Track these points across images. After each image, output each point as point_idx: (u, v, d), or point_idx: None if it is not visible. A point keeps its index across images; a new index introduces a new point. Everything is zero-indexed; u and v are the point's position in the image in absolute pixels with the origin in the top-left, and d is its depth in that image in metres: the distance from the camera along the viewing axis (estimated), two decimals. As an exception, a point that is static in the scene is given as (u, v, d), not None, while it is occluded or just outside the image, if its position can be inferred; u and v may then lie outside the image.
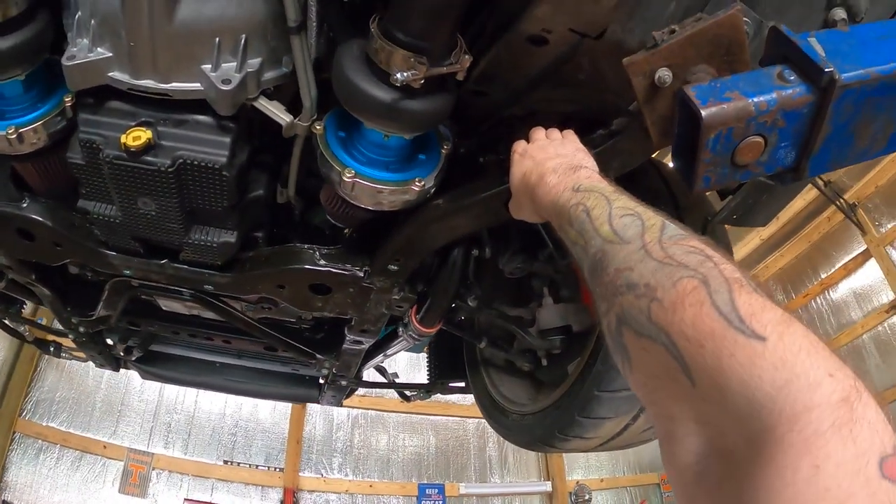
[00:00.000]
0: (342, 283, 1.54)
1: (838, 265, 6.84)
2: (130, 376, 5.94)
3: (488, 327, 2.29)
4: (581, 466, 7.55)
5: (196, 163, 1.25)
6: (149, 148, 1.23)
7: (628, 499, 7.58)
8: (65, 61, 1.17)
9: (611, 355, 0.70)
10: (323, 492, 6.86)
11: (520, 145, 1.13)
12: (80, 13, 1.16)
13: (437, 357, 2.99)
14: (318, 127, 1.24)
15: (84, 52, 1.17)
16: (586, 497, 7.20)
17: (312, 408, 7.17)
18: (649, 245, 0.67)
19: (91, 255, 1.60)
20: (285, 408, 7.01)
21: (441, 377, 2.90)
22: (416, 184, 1.22)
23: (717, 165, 0.86)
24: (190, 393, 6.72)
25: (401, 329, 1.84)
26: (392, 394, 3.66)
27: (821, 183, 6.02)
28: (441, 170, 1.28)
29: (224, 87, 1.15)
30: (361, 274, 1.51)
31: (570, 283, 2.08)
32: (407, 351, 3.32)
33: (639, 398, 0.67)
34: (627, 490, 7.65)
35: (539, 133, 1.15)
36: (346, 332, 1.86)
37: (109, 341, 2.48)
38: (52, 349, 2.76)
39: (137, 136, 1.21)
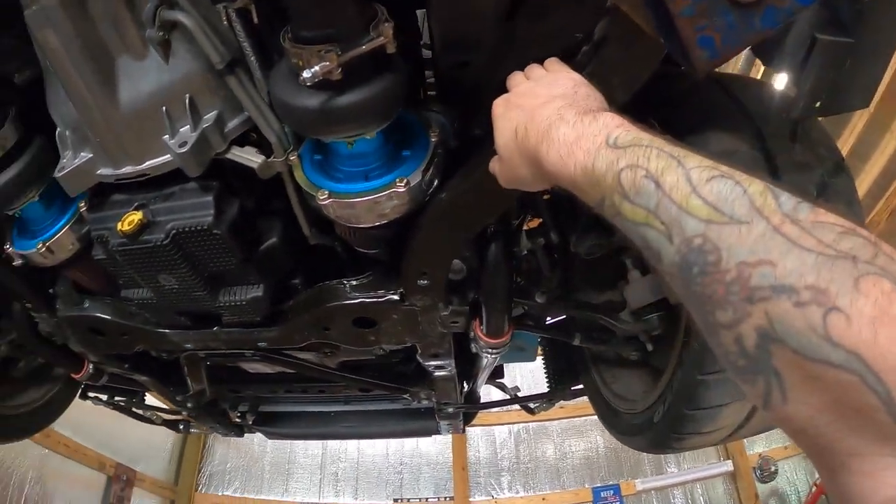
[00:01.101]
0: (382, 311, 1.44)
1: None
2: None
3: (585, 320, 2.09)
4: (762, 437, 6.87)
5: (187, 229, 1.27)
6: (143, 227, 1.28)
7: None
8: (56, 174, 1.27)
9: (736, 377, 0.54)
10: (495, 513, 6.79)
11: (500, 99, 0.89)
12: (59, 129, 1.27)
13: (553, 361, 2.80)
14: (292, 158, 1.17)
15: (70, 161, 1.27)
16: (772, 469, 6.56)
17: (473, 431, 7.19)
18: (782, 225, 0.50)
19: (154, 338, 1.68)
20: (446, 437, 7.06)
21: (560, 383, 2.71)
22: (399, 184, 1.08)
23: (710, 14, 0.62)
24: (352, 441, 6.92)
25: (472, 345, 1.69)
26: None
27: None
28: (433, 160, 1.14)
29: (182, 150, 1.15)
30: (397, 297, 1.40)
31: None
32: (515, 361, 3.18)
33: (787, 430, 0.52)
34: None
35: (517, 77, 0.91)
36: (419, 360, 1.74)
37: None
38: (181, 427, 2.88)
39: (131, 220, 1.27)
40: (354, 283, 1.41)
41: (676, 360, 1.54)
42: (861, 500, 0.46)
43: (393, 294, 1.40)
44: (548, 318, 2.19)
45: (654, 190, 0.59)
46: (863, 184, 5.02)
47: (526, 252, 1.76)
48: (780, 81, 1.54)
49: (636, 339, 1.89)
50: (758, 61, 4.68)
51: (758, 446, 6.87)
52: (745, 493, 6.63)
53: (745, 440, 6.70)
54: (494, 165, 0.92)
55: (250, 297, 1.41)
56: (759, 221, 0.51)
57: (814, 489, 6.29)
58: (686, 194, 0.57)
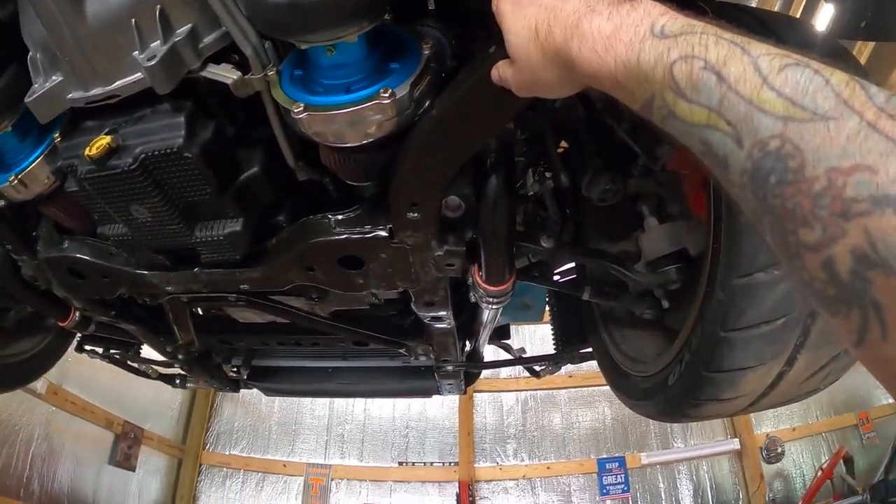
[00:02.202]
0: (370, 249, 1.33)
1: None
2: (302, 398, 6.34)
3: (596, 273, 1.97)
4: (770, 417, 6.86)
5: (157, 152, 1.18)
6: (112, 152, 1.20)
7: (825, 447, 6.76)
8: (27, 99, 1.22)
9: (822, 308, 0.46)
10: (500, 480, 6.85)
11: None
12: (30, 54, 1.21)
13: (561, 322, 2.69)
14: (270, 74, 1.07)
15: (41, 86, 1.21)
16: (778, 450, 6.57)
17: (480, 397, 7.23)
18: (879, 122, 0.42)
19: (134, 280, 1.60)
20: (453, 402, 7.10)
21: (568, 345, 2.59)
22: (384, 95, 0.97)
23: None
24: (359, 402, 6.97)
25: (471, 294, 1.57)
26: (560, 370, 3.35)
27: None
28: (423, 74, 1.02)
29: (149, 64, 1.07)
30: (386, 234, 1.28)
31: (676, 195, 1.68)
32: (521, 320, 3.07)
33: (880, 373, 0.45)
34: (823, 437, 6.85)
35: None
36: (413, 310, 1.63)
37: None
38: (177, 381, 2.83)
39: (99, 145, 1.19)
40: (340, 217, 1.30)
41: (697, 313, 1.40)
42: None
43: (381, 230, 1.29)
44: (556, 274, 2.08)
45: (717, 83, 0.51)
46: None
47: (533, 195, 1.63)
48: (820, 22, 1.40)
49: (651, 294, 1.76)
50: (796, 4, 4.55)
51: (765, 426, 6.87)
52: (751, 472, 6.65)
53: (752, 419, 6.65)
54: (504, 72, 0.81)
55: (228, 231, 1.32)
56: (849, 117, 0.43)
57: (819, 473, 6.26)
58: (756, 86, 0.48)
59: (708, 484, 6.79)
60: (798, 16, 4.23)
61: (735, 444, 6.79)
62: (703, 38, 0.53)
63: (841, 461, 6.09)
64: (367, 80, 1.01)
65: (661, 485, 6.82)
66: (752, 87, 0.48)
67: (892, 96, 0.43)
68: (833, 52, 1.15)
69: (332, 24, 0.91)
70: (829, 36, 1.01)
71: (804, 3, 4.49)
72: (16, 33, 1.22)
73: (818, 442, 6.79)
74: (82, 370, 5.28)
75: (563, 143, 1.77)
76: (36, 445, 5.08)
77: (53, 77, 1.20)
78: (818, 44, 1.15)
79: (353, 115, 0.99)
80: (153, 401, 6.51)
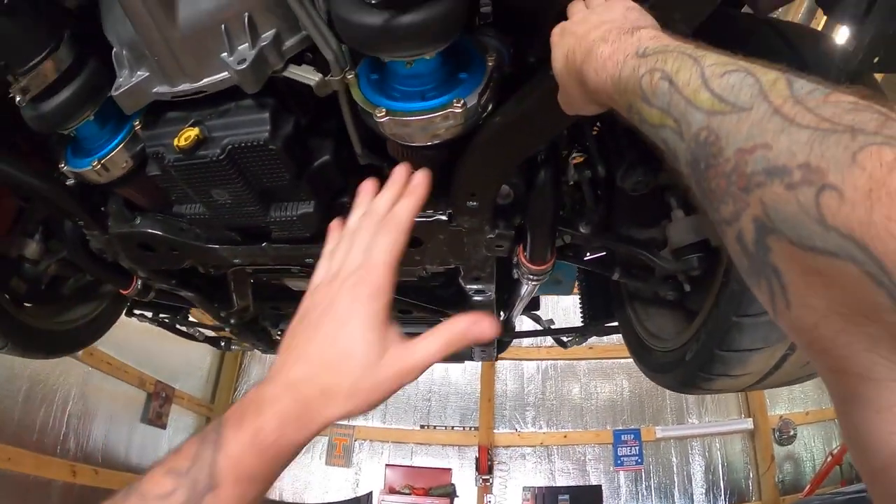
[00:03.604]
0: (429, 230, 1.47)
1: None
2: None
3: (625, 256, 2.09)
4: (784, 400, 6.90)
5: (243, 144, 1.28)
6: (200, 143, 1.29)
7: (836, 433, 6.76)
8: (113, 92, 1.29)
9: (745, 281, 0.49)
10: (518, 446, 6.99)
11: (557, 27, 0.90)
12: (115, 49, 1.28)
13: (589, 297, 2.83)
14: (349, 77, 1.18)
15: (127, 80, 1.28)
16: (791, 433, 6.59)
17: (502, 365, 7.35)
18: (783, 106, 0.44)
19: (203, 253, 1.72)
20: (475, 368, 7.23)
21: (595, 318, 2.73)
22: (456, 105, 1.09)
23: None
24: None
25: (514, 271, 1.71)
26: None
27: None
28: (489, 84, 1.14)
29: (240, 67, 1.16)
30: (445, 218, 1.42)
31: (704, 189, 1.80)
32: (552, 294, 3.19)
33: (798, 343, 0.46)
34: (835, 423, 6.82)
35: (578, 5, 0.92)
36: (461, 283, 1.77)
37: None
38: (222, 344, 2.98)
39: (188, 136, 1.28)
40: (404, 200, 1.43)
41: (713, 300, 1.55)
42: (871, 445, 0.39)
43: (441, 214, 1.42)
44: (587, 254, 2.20)
45: (668, 88, 0.57)
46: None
47: (572, 183, 1.75)
48: (841, 35, 1.49)
49: (674, 278, 1.90)
50: (819, 14, 4.51)
51: (779, 408, 6.90)
52: (762, 453, 6.70)
53: (767, 401, 6.70)
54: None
55: (301, 212, 1.44)
56: (759, 105, 0.46)
57: (829, 459, 6.29)
58: (695, 88, 0.54)
59: (720, 461, 6.88)
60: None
61: (749, 424, 6.85)
62: (669, 54, 0.61)
63: (852, 449, 6.12)
64: (439, 89, 1.12)
65: (674, 459, 6.93)
66: (693, 89, 0.54)
67: (818, 88, 0.45)
68: (851, 75, 1.25)
69: (418, 45, 1.02)
70: (848, 62, 1.10)
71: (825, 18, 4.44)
72: (94, 26, 1.29)
73: (830, 428, 6.81)
74: (116, 332, 5.40)
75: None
76: (72, 404, 5.24)
77: (139, 72, 1.28)
78: (838, 65, 1.24)
79: (427, 121, 1.11)
80: (184, 361, 6.72)
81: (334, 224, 0.89)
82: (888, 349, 0.37)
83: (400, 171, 0.89)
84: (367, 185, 0.88)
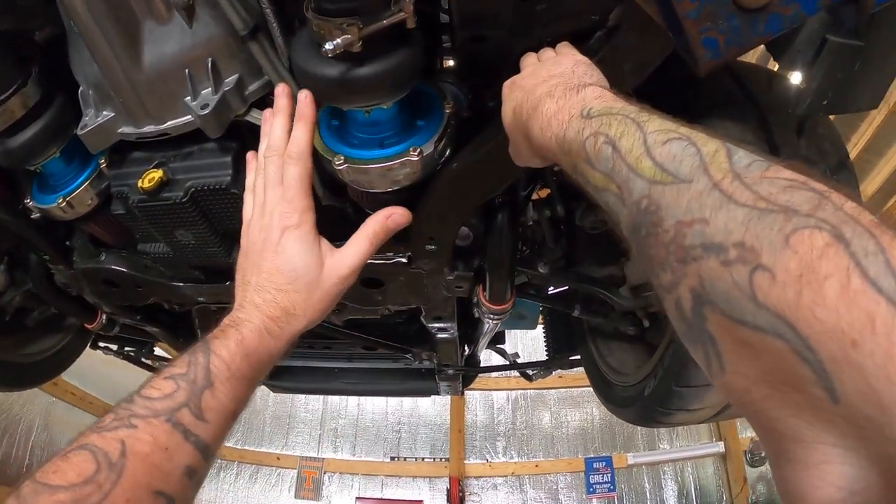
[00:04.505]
0: (389, 273, 1.49)
1: None
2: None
3: (586, 293, 2.14)
4: (754, 422, 6.98)
5: (206, 188, 1.31)
6: (163, 185, 1.31)
7: None
8: (79, 131, 1.31)
9: (684, 344, 0.51)
10: (489, 477, 6.94)
11: (508, 81, 0.92)
12: (81, 88, 1.30)
13: (553, 331, 2.87)
14: None
15: (93, 119, 1.30)
16: (762, 454, 6.64)
17: (472, 395, 7.32)
18: (723, 181, 0.46)
19: (167, 290, 1.72)
20: (445, 399, 7.18)
21: (559, 352, 2.77)
22: (413, 153, 1.12)
23: (715, 18, 0.64)
24: (353, 398, 7.07)
25: (475, 310, 1.74)
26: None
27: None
28: (446, 131, 1.17)
29: (203, 112, 1.19)
30: (405, 260, 1.44)
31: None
32: (516, 329, 3.22)
33: (733, 403, 0.48)
34: None
35: (529, 58, 0.95)
36: (423, 322, 1.80)
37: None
38: (189, 380, 2.93)
39: (152, 178, 1.31)
40: (365, 245, 1.45)
41: (669, 337, 1.59)
42: (801, 498, 0.41)
43: (401, 257, 1.44)
44: (550, 289, 2.24)
45: (612, 153, 0.59)
46: (877, 178, 5.01)
47: (532, 223, 1.80)
48: (795, 76, 1.54)
49: (633, 314, 1.94)
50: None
51: (750, 430, 6.93)
52: (735, 475, 6.74)
53: (738, 423, 6.77)
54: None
55: (263, 254, 1.45)
56: (700, 179, 0.48)
57: None
58: (638, 156, 0.55)
59: (692, 485, 6.91)
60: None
61: (720, 448, 6.91)
62: (613, 117, 0.62)
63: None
64: (397, 136, 1.15)
65: (647, 485, 6.94)
66: (635, 156, 0.55)
67: (757, 161, 0.47)
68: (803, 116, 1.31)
69: (373, 96, 1.05)
70: (798, 106, 1.14)
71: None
72: (62, 59, 1.30)
73: (801, 447, 6.91)
74: (81, 361, 5.32)
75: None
76: (35, 435, 5.15)
77: (104, 112, 1.29)
78: (791, 108, 1.29)
79: (386, 169, 1.14)
80: (150, 393, 6.58)
81: (249, 156, 1.01)
82: (811, 416, 0.39)
83: (281, 95, 1.00)
84: (267, 115, 0.98)
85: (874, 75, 1.09)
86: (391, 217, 0.96)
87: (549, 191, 1.80)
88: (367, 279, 1.52)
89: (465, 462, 6.96)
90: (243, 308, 0.84)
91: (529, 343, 5.71)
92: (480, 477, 6.95)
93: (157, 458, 0.66)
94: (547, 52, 0.95)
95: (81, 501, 0.60)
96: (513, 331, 3.99)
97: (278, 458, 6.62)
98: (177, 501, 0.67)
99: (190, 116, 1.24)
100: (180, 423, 0.69)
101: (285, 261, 0.87)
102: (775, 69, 1.41)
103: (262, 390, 6.22)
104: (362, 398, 7.00)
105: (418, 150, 1.12)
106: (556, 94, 0.74)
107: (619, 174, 0.57)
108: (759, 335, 0.40)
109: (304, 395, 6.81)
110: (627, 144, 0.58)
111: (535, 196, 1.85)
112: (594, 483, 6.88)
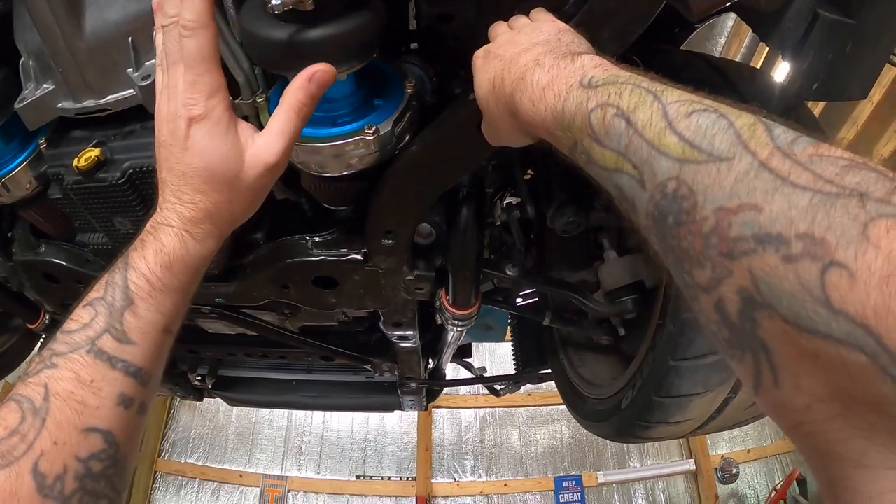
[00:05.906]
0: (344, 271, 1.39)
1: None
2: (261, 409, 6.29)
3: (557, 300, 2.05)
4: (725, 439, 7.01)
5: (145, 169, 1.22)
6: (100, 165, 1.23)
7: (779, 468, 6.90)
8: (17, 105, 1.23)
9: (722, 352, 0.45)
10: (457, 496, 6.86)
11: (480, 50, 0.82)
12: (22, 59, 1.22)
13: (522, 343, 2.77)
14: (259, 100, 1.11)
15: (32, 92, 1.23)
16: (733, 471, 6.67)
17: (439, 413, 7.26)
18: (771, 159, 0.40)
19: None
20: (412, 416, 7.10)
21: (528, 365, 2.67)
22: (368, 131, 1.03)
23: None
24: (318, 415, 6.94)
25: (438, 316, 1.64)
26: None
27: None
28: (405, 111, 1.09)
29: (145, 83, 1.11)
30: (360, 257, 1.34)
31: (635, 229, 1.77)
32: (482, 341, 3.14)
33: (780, 422, 0.42)
34: (777, 459, 6.98)
35: (500, 27, 0.85)
36: (381, 329, 1.69)
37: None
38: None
39: (88, 157, 1.22)
40: (317, 239, 1.36)
41: (649, 343, 1.50)
42: None
43: (356, 253, 1.35)
44: (518, 297, 2.16)
45: (625, 128, 0.51)
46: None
47: (500, 224, 1.71)
48: (780, 73, 1.49)
49: (608, 322, 1.86)
50: (757, 53, 4.70)
51: (721, 448, 7.00)
52: (706, 493, 6.74)
53: (708, 440, 6.79)
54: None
55: (206, 247, 1.35)
56: (743, 157, 0.41)
57: (773, 495, 6.40)
58: (660, 130, 0.48)
59: (663, 503, 6.89)
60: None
61: (690, 465, 6.90)
62: (621, 86, 0.55)
63: (794, 482, 6.22)
64: (352, 115, 1.07)
65: (617, 503, 6.90)
66: (656, 131, 0.48)
67: (801, 136, 0.42)
68: (789, 104, 1.25)
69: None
70: (786, 90, 1.08)
71: (764, 56, 4.64)
72: (6, 36, 1.23)
73: (772, 464, 6.92)
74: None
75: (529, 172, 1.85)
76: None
77: (45, 85, 1.22)
78: (776, 95, 1.24)
79: (338, 148, 1.04)
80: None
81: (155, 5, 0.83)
82: (887, 437, 0.34)
83: None
84: (154, 3, 0.83)
85: (864, 61, 1.04)
86: (313, 77, 0.77)
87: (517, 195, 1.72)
88: (320, 278, 1.42)
89: (433, 481, 6.85)
90: (162, 210, 0.73)
91: (498, 360, 5.65)
92: (448, 496, 6.84)
93: (82, 393, 0.61)
94: (520, 20, 0.86)
95: (8, 455, 0.56)
96: (480, 345, 3.92)
97: (241, 476, 6.46)
98: (116, 433, 0.62)
99: (132, 90, 1.16)
100: (103, 352, 0.64)
101: (197, 158, 0.73)
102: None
103: (225, 407, 6.10)
104: (327, 414, 6.87)
105: (374, 128, 1.03)
106: (547, 63, 0.67)
107: (637, 152, 0.50)
108: (832, 346, 0.34)
109: (267, 411, 6.67)
110: (644, 117, 0.50)
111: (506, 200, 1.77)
112: (564, 502, 6.82)
